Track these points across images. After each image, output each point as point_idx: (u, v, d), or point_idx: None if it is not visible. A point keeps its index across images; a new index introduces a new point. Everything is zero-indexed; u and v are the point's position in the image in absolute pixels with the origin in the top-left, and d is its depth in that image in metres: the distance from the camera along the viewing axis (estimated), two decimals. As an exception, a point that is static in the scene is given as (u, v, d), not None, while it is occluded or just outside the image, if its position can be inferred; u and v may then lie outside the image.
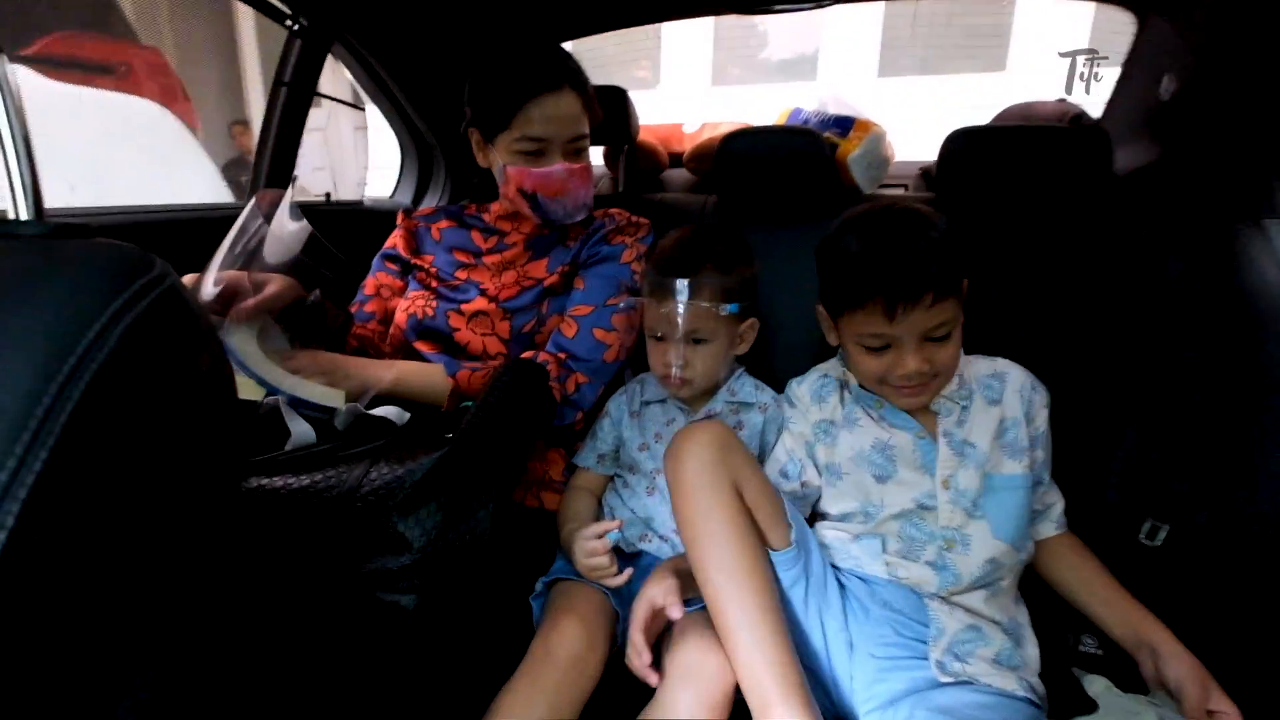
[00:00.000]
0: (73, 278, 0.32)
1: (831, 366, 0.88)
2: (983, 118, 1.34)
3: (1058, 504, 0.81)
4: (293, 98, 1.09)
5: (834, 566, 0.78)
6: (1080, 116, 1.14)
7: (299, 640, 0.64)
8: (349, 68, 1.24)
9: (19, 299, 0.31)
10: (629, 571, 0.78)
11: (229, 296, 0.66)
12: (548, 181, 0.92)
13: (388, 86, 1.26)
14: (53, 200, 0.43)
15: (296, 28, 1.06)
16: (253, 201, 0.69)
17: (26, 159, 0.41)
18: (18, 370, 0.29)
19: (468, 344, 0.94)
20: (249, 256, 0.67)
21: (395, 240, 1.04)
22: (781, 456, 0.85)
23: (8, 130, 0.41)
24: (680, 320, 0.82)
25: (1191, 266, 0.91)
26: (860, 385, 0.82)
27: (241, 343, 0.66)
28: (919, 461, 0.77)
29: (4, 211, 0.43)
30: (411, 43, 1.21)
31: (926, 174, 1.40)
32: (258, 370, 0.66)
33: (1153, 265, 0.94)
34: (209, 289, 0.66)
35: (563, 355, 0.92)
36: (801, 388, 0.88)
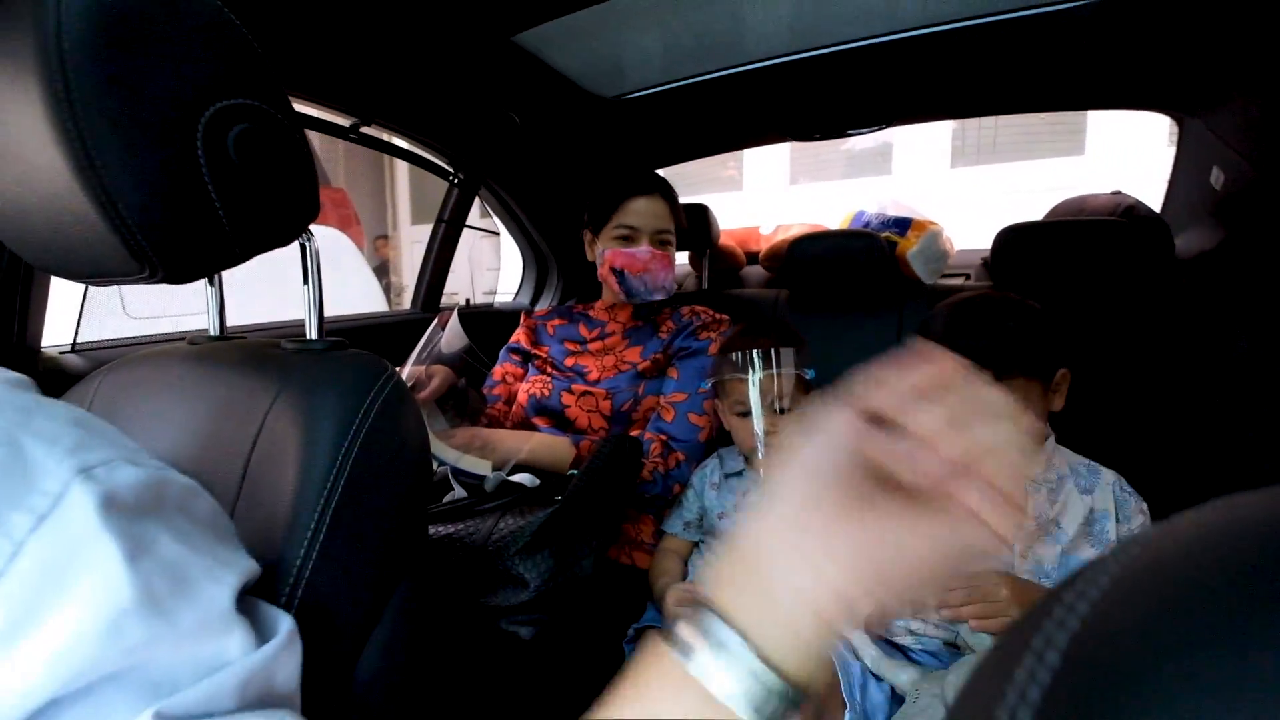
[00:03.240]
0: (348, 376, 0.54)
1: None
2: (1061, 199, 1.42)
3: None
4: (449, 231, 1.41)
5: (896, 646, 0.82)
6: (1134, 208, 1.20)
7: (444, 657, 0.79)
8: (488, 204, 1.57)
9: (324, 389, 0.52)
10: None
11: (413, 387, 0.90)
12: (633, 260, 1.11)
13: (516, 215, 1.57)
14: (291, 312, 0.63)
15: (455, 180, 1.38)
16: (435, 320, 0.95)
17: (317, 299, 0.64)
18: (330, 430, 0.50)
19: (576, 419, 1.12)
20: (431, 359, 0.91)
21: (519, 336, 1.27)
22: None
23: (311, 280, 0.65)
24: (766, 388, 0.91)
25: (1258, 344, 0.93)
26: None
27: None
28: None
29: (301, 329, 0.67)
30: (535, 184, 1.53)
31: (986, 263, 1.48)
32: (430, 447, 0.88)
33: (1222, 346, 0.97)
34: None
35: (664, 437, 1.06)
36: None
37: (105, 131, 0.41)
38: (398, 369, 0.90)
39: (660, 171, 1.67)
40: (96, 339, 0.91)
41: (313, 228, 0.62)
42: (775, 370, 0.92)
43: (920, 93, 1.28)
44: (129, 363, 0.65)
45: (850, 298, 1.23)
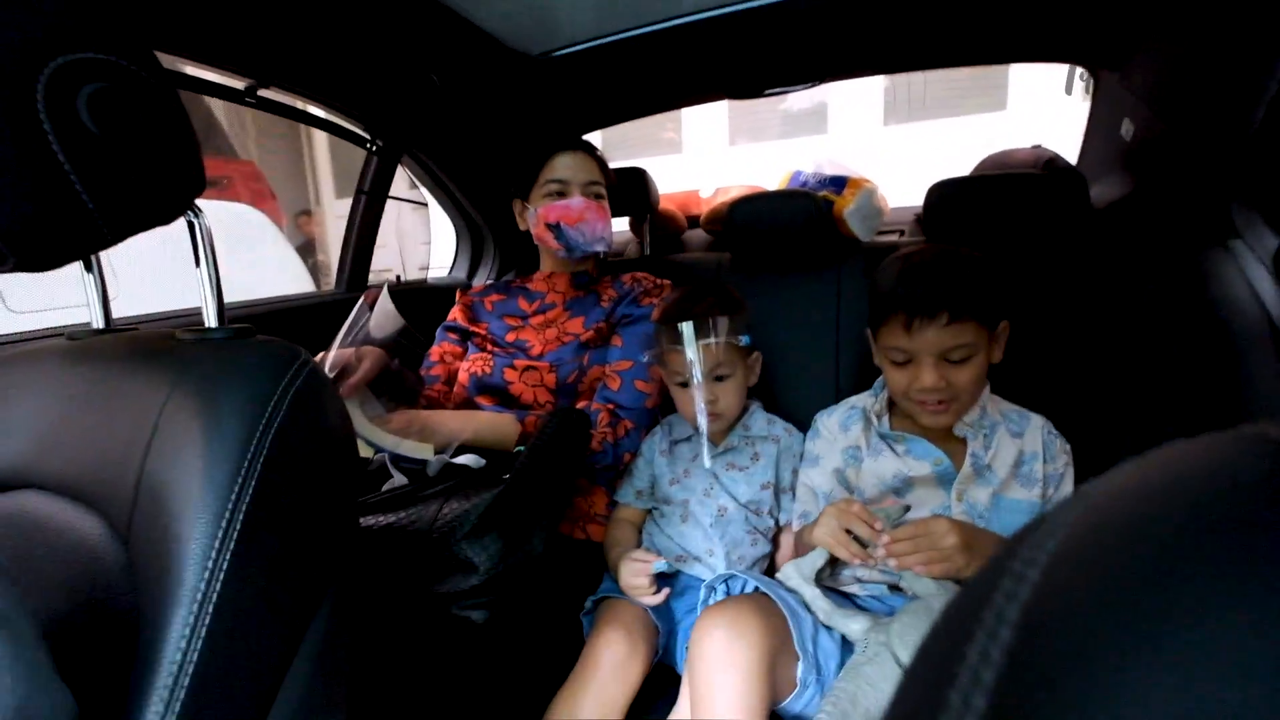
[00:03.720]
0: (254, 366, 0.49)
1: (859, 399, 0.97)
2: (988, 154, 1.46)
3: None
4: (371, 203, 1.32)
5: (845, 594, 0.85)
6: (1053, 160, 1.24)
7: (389, 648, 0.77)
8: (413, 173, 1.47)
9: (225, 382, 0.47)
10: (666, 591, 0.88)
11: (341, 372, 0.84)
12: (567, 211, 1.09)
13: (445, 184, 1.49)
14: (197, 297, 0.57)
15: (374, 148, 1.29)
16: (361, 299, 0.89)
17: (214, 282, 0.58)
18: (234, 428, 0.45)
19: (520, 395, 1.09)
20: (360, 341, 0.86)
21: (455, 314, 1.22)
22: (805, 499, 0.94)
23: (204, 263, 0.58)
24: (703, 359, 0.91)
25: (1165, 288, 0.99)
26: (886, 423, 0.90)
27: (351, 411, 0.82)
28: (936, 481, 0.84)
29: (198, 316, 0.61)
30: (462, 150, 1.45)
31: (920, 219, 1.52)
32: (365, 433, 0.82)
33: (1132, 291, 1.03)
34: (328, 367, 0.84)
35: (611, 406, 1.05)
36: (831, 419, 0.97)
37: None
38: (321, 354, 0.84)
39: (597, 134, 1.62)
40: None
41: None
42: (714, 339, 0.91)
43: (850, 48, 1.27)
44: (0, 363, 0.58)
45: (790, 259, 1.24)
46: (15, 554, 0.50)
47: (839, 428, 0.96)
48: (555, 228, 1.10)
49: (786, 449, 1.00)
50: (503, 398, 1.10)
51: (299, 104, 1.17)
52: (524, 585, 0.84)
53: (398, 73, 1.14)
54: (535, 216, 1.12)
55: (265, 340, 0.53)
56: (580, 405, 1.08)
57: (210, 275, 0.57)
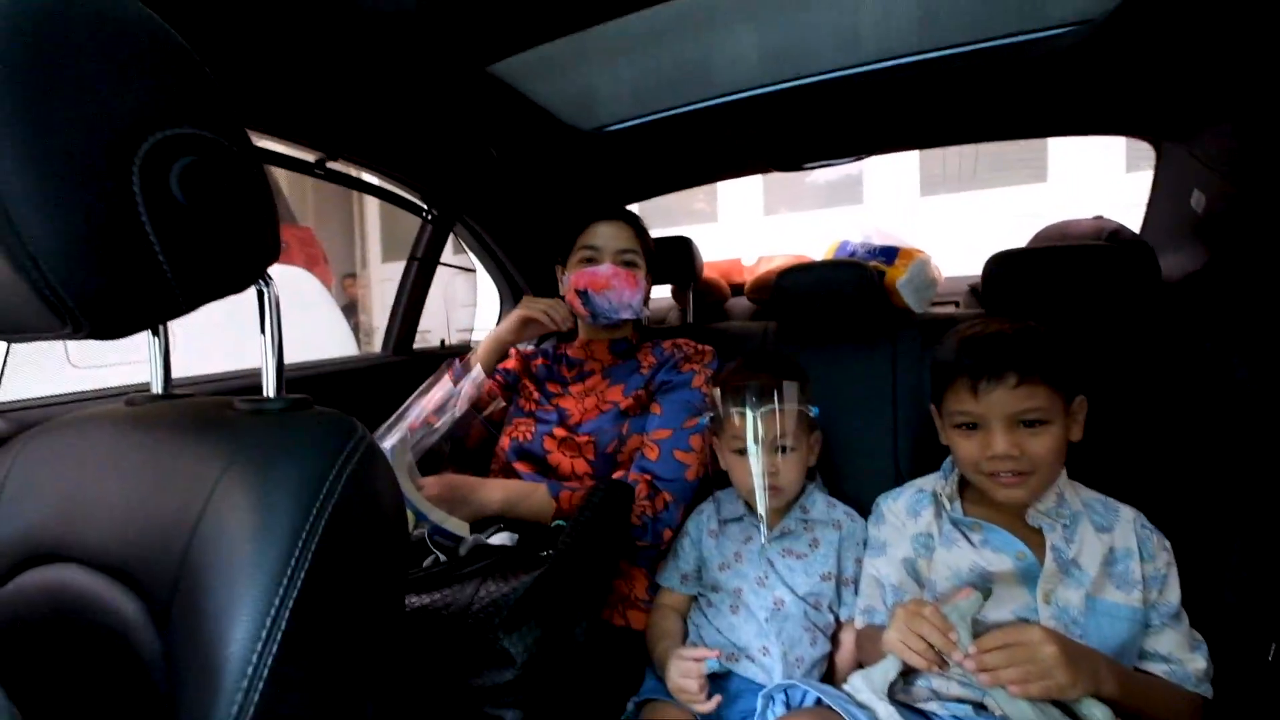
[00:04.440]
0: (311, 442, 0.46)
1: (926, 481, 0.90)
2: (1030, 225, 1.44)
3: (1189, 663, 0.73)
4: (423, 269, 1.35)
5: (922, 713, 0.75)
6: (1117, 232, 1.21)
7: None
8: (463, 238, 1.51)
9: (280, 456, 0.45)
10: (717, 699, 0.79)
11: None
12: (595, 278, 1.09)
13: (493, 251, 1.52)
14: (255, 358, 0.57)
15: (429, 216, 1.32)
16: (445, 376, 0.94)
17: (277, 350, 0.57)
18: (286, 506, 0.42)
19: (559, 466, 1.05)
20: (456, 421, 0.92)
21: (510, 364, 1.22)
22: (870, 593, 0.86)
23: (269, 331, 0.57)
24: (766, 425, 0.87)
25: (1258, 369, 0.92)
26: (959, 508, 0.82)
27: (399, 478, 0.82)
28: (1019, 578, 0.76)
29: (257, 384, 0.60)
30: (512, 219, 1.49)
31: (975, 290, 1.48)
32: (414, 502, 0.81)
33: (1220, 370, 0.95)
34: (390, 443, 0.87)
35: (649, 476, 1.00)
36: (897, 503, 0.90)
37: (13, 168, 0.34)
38: (384, 429, 0.87)
39: (637, 206, 1.66)
40: (23, 397, 0.81)
41: (275, 268, 0.55)
42: (777, 406, 0.87)
43: (897, 122, 1.28)
44: (56, 427, 0.57)
45: (841, 329, 1.21)
46: (50, 631, 0.47)
47: (906, 512, 0.88)
48: (583, 294, 1.11)
49: (849, 536, 0.93)
50: (541, 466, 1.08)
51: (361, 174, 1.22)
52: (561, 679, 0.77)
53: (457, 145, 1.19)
54: (567, 282, 1.14)
55: (322, 413, 0.51)
56: (618, 476, 1.03)
57: (274, 343, 0.56)
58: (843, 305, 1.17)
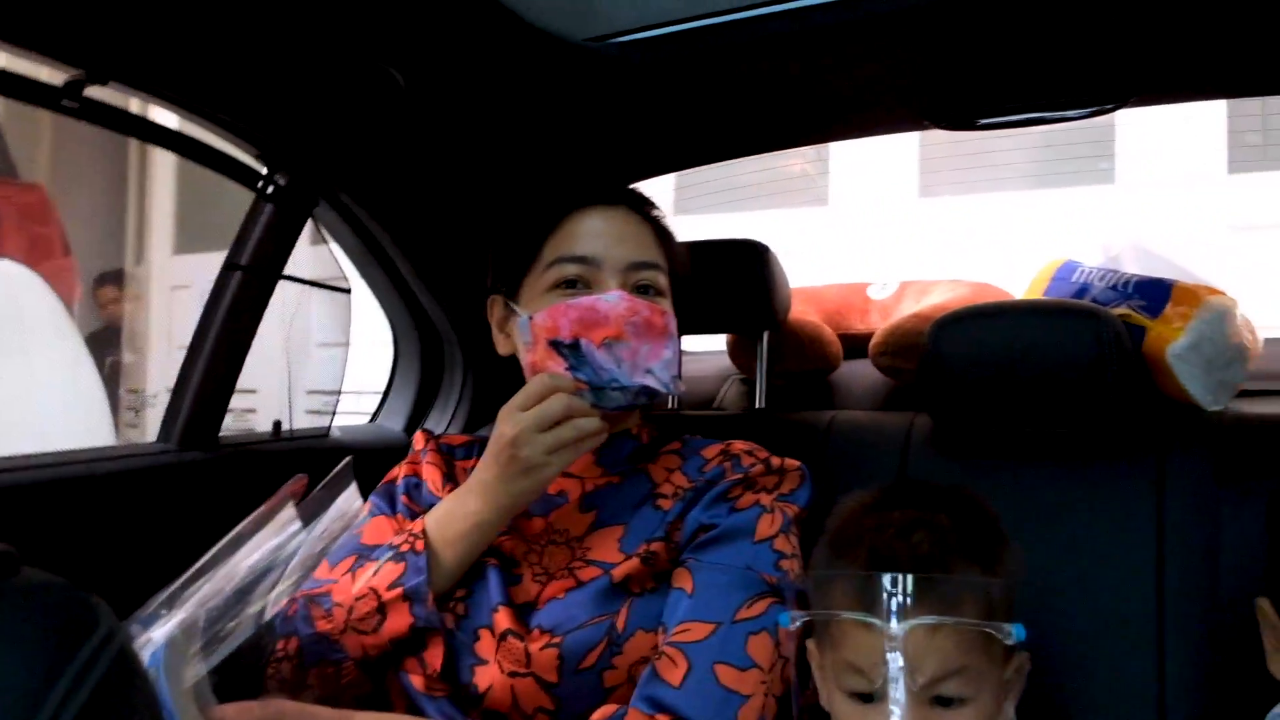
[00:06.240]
0: (10, 640, 0.27)
1: None
2: None
3: None
4: (249, 287, 0.81)
5: None
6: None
7: None
8: (329, 233, 1.01)
9: None
10: None
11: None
12: (594, 315, 0.68)
13: (388, 258, 1.01)
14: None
15: (269, 188, 0.83)
16: (288, 505, 0.59)
17: None
18: None
19: (489, 689, 0.66)
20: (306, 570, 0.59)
21: (398, 472, 0.78)
22: None
23: None
24: (926, 645, 0.54)
25: None
26: None
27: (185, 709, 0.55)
28: None
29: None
30: (424, 196, 1.00)
31: None
32: None
33: None
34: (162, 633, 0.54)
35: (665, 718, 0.63)
36: None
37: None
38: (154, 606, 0.53)
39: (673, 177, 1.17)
40: None
41: None
42: (944, 619, 0.56)
43: (1175, 52, 0.82)
44: None
45: (1058, 437, 0.80)
46: None
47: None
48: (569, 349, 0.69)
49: None
50: (462, 699, 0.67)
51: (146, 110, 0.93)
52: None
53: (328, 64, 0.77)
54: (528, 329, 0.72)
55: (36, 584, 0.29)
56: (609, 711, 0.66)
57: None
58: (1063, 392, 0.77)
